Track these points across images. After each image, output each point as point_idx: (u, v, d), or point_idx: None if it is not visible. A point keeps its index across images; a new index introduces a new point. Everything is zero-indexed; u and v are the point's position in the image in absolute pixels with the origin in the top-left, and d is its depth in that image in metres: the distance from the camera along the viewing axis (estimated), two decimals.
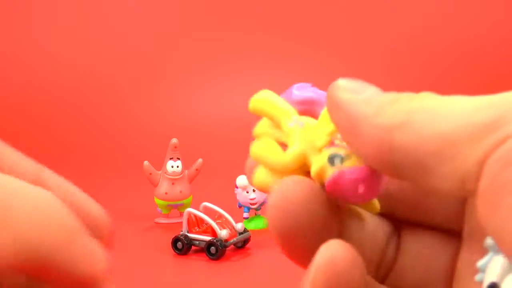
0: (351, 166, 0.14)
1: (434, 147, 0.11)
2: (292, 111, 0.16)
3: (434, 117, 0.12)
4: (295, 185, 0.14)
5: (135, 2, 1.28)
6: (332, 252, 0.13)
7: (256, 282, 0.57)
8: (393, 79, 1.13)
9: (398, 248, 0.16)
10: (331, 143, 0.15)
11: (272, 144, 0.16)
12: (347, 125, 0.14)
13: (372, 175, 0.14)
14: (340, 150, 0.14)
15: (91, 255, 0.14)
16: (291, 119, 0.16)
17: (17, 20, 1.23)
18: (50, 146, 1.07)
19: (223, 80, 1.17)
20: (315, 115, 0.16)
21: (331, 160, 0.15)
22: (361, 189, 0.14)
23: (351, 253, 0.13)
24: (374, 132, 0.13)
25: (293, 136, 0.16)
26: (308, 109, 0.16)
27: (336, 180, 0.14)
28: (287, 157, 0.15)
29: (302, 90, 0.17)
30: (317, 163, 0.15)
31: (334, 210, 0.15)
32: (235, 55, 1.21)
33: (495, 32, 1.24)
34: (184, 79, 1.20)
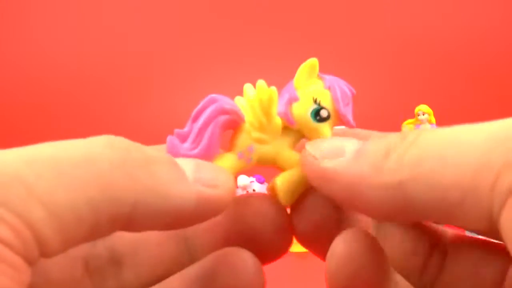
0: None
1: (457, 197, 0.11)
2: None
3: (446, 162, 0.11)
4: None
5: (135, 2, 1.28)
6: (348, 240, 0.13)
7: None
8: (393, 80, 1.13)
9: (443, 260, 0.16)
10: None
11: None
12: (346, 194, 0.13)
13: None
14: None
15: (180, 181, 0.13)
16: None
17: (17, 20, 1.23)
18: None
19: (223, 80, 1.17)
20: None
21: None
22: None
23: (368, 242, 0.13)
24: (382, 194, 0.12)
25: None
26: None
27: None
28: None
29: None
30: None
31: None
32: (235, 55, 1.21)
33: (496, 32, 1.24)
34: (184, 79, 1.20)
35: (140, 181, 0.12)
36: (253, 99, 0.15)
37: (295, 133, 0.16)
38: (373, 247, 0.13)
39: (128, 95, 1.20)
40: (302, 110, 0.15)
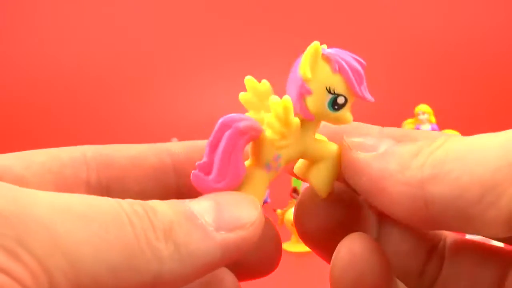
0: None
1: (476, 195, 0.11)
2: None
3: (467, 163, 0.11)
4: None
5: (135, 2, 1.28)
6: (352, 245, 0.13)
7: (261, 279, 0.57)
8: (394, 79, 1.13)
9: (441, 262, 0.16)
10: None
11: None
12: (370, 186, 0.13)
13: None
14: None
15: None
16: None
17: (17, 20, 1.23)
18: (50, 145, 1.07)
19: (223, 80, 1.17)
20: None
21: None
22: None
23: (372, 247, 0.13)
24: (404, 190, 0.12)
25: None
26: None
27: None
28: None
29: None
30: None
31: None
32: (235, 55, 1.21)
33: (496, 32, 1.24)
34: (184, 79, 1.20)
35: (161, 251, 0.12)
36: (270, 117, 0.15)
37: (314, 123, 0.15)
38: (377, 252, 0.13)
39: (129, 95, 1.20)
40: (319, 103, 0.15)
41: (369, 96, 0.15)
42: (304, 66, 0.15)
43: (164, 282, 0.12)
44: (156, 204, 0.12)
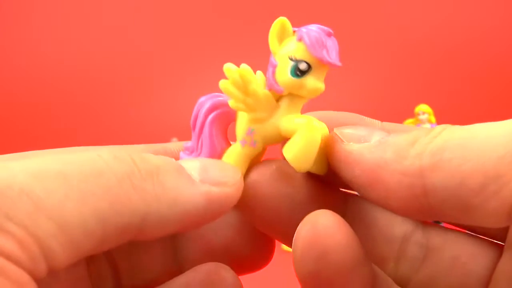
0: None
1: (478, 184, 0.11)
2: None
3: (468, 152, 0.11)
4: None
5: (135, 2, 1.28)
6: (315, 221, 0.12)
7: (257, 275, 0.57)
8: (394, 79, 1.13)
9: (426, 248, 0.15)
10: None
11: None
12: (365, 177, 0.12)
13: None
14: None
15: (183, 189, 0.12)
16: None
17: (17, 20, 1.23)
18: (50, 145, 1.07)
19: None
20: None
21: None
22: None
23: (337, 223, 0.12)
24: (402, 179, 0.12)
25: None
26: None
27: None
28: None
29: None
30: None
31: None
32: (235, 55, 1.21)
33: (496, 32, 1.24)
34: (184, 79, 1.20)
35: (148, 192, 0.12)
36: (224, 83, 0.15)
37: (289, 98, 0.15)
38: (343, 229, 0.12)
39: (129, 95, 1.20)
40: (283, 72, 0.15)
41: (331, 59, 0.14)
42: (270, 39, 0.16)
43: (150, 224, 0.12)
44: (145, 154, 0.12)
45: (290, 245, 0.14)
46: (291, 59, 0.15)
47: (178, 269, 0.17)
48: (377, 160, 0.12)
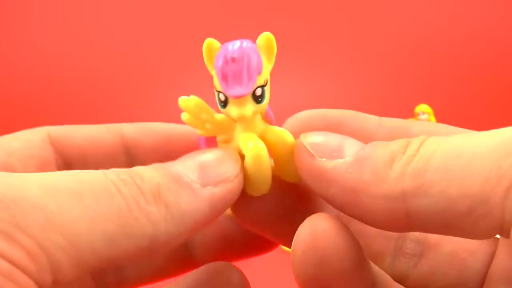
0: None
1: (465, 208, 0.10)
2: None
3: (452, 174, 0.10)
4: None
5: (135, 2, 1.28)
6: (314, 225, 0.12)
7: (257, 275, 0.57)
8: (393, 79, 1.12)
9: (423, 244, 0.15)
10: None
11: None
12: (342, 197, 0.12)
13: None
14: None
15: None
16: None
17: (17, 20, 1.23)
18: None
19: None
20: None
21: None
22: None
23: (336, 226, 0.12)
24: (382, 203, 0.11)
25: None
26: None
27: None
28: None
29: None
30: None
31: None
32: None
33: (496, 32, 1.24)
34: (184, 79, 1.20)
35: (154, 214, 0.12)
36: (185, 115, 0.15)
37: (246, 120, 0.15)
38: (342, 232, 0.12)
39: (129, 95, 1.20)
40: (216, 101, 0.15)
41: (231, 93, 0.14)
42: (206, 65, 0.15)
43: (160, 244, 0.12)
44: (141, 169, 0.13)
45: (289, 245, 0.14)
46: (215, 89, 0.15)
47: (182, 258, 0.17)
48: (355, 182, 0.12)
